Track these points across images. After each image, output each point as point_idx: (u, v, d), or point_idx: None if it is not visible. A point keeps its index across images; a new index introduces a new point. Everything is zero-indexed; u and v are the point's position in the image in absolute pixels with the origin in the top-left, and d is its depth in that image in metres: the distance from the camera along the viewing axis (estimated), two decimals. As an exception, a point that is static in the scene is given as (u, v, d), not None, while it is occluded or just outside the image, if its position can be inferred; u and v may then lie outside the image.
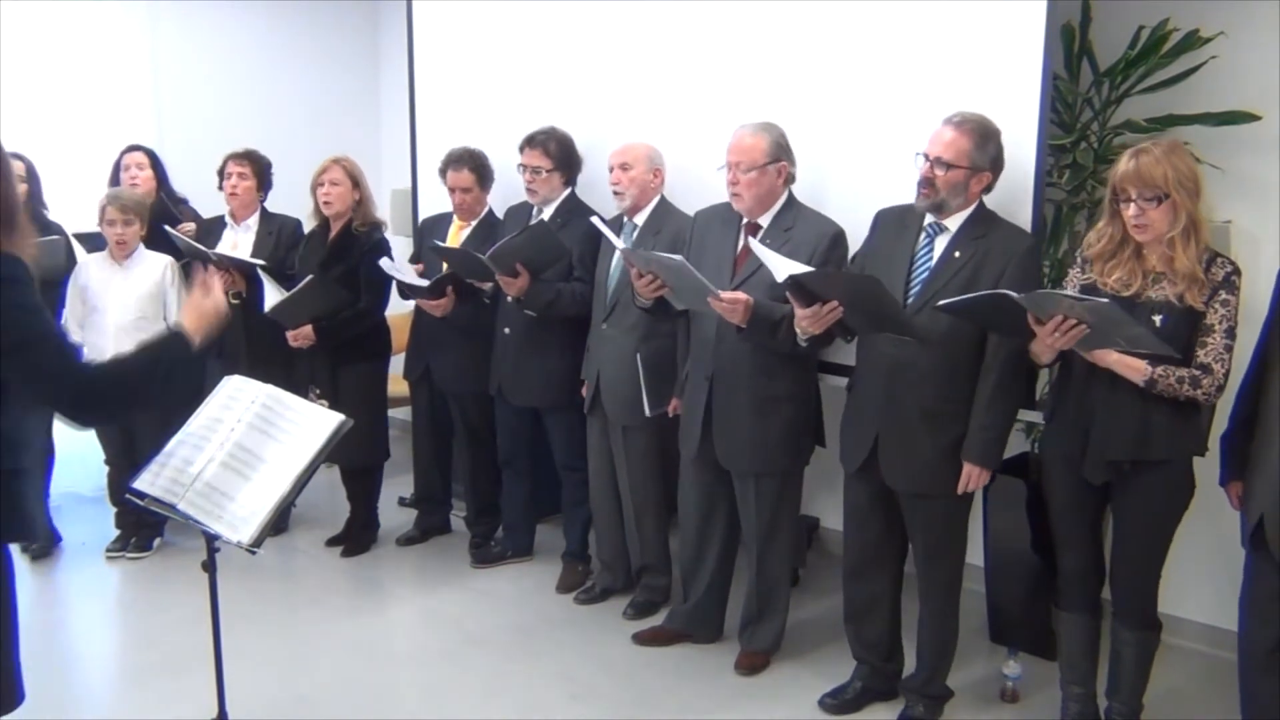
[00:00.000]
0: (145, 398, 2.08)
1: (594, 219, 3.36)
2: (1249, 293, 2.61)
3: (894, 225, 2.91)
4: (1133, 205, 2.53)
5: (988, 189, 2.79)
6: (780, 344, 2.97)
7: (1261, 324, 2.61)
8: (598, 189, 3.78)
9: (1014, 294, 2.49)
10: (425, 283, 3.91)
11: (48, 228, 4.17)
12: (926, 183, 2.75)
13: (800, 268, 2.72)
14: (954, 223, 2.79)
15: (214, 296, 2.23)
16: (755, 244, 2.91)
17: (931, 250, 2.81)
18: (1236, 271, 2.55)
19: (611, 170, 3.55)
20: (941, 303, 2.61)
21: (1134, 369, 2.54)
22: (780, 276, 2.71)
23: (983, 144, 2.72)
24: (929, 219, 2.82)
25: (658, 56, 3.77)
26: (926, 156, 2.75)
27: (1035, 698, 3.19)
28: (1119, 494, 2.70)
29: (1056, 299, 2.46)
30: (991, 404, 2.76)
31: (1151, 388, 2.53)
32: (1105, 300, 2.40)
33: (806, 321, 2.77)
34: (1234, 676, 2.69)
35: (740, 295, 2.92)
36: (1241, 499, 2.65)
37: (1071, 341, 2.48)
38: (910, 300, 2.79)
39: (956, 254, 2.77)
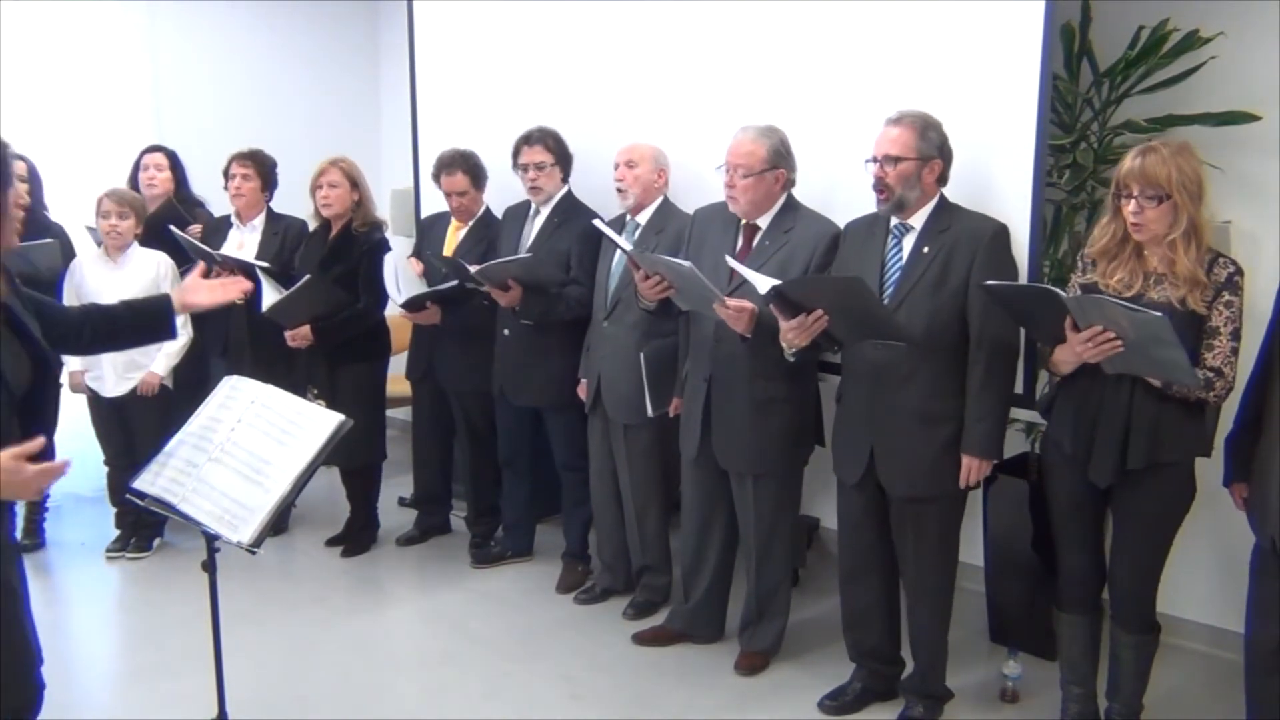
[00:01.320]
0: (122, 340, 2.48)
1: (595, 221, 3.36)
2: (1249, 293, 2.60)
3: (862, 233, 2.95)
4: (1133, 201, 2.52)
5: (942, 179, 2.82)
6: (781, 353, 2.97)
7: (1266, 326, 2.59)
8: (596, 189, 3.78)
9: (1062, 294, 2.49)
10: (414, 293, 3.94)
11: (48, 229, 4.17)
12: (880, 184, 2.79)
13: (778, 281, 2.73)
14: (918, 220, 2.82)
15: (224, 292, 2.41)
16: (733, 263, 2.92)
17: (900, 250, 2.84)
18: (1239, 272, 2.55)
19: (617, 167, 3.56)
20: (989, 283, 2.62)
21: None
22: (762, 289, 2.72)
23: (925, 133, 2.77)
24: (894, 220, 2.85)
25: (658, 57, 3.77)
26: (875, 159, 2.79)
27: (1035, 698, 3.19)
28: (1121, 496, 2.68)
29: (1103, 305, 2.43)
30: (983, 394, 2.76)
31: (1168, 388, 2.52)
32: (1158, 315, 2.35)
33: (792, 334, 2.77)
34: (1236, 677, 2.69)
35: (745, 304, 2.92)
36: (1247, 501, 2.64)
37: (1101, 356, 2.47)
38: (885, 303, 2.79)
39: (925, 249, 2.79)
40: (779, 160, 3.08)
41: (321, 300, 4.00)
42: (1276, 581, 2.50)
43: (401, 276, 4.01)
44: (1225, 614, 3.36)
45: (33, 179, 4.19)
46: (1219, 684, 3.21)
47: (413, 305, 3.97)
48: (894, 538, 2.97)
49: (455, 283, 3.85)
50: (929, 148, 2.77)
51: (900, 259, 2.83)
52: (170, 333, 2.57)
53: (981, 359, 2.75)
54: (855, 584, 3.10)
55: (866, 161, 2.81)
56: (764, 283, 2.73)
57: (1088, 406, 2.64)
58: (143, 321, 2.53)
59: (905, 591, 3.05)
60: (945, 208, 2.83)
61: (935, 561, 2.94)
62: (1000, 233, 2.78)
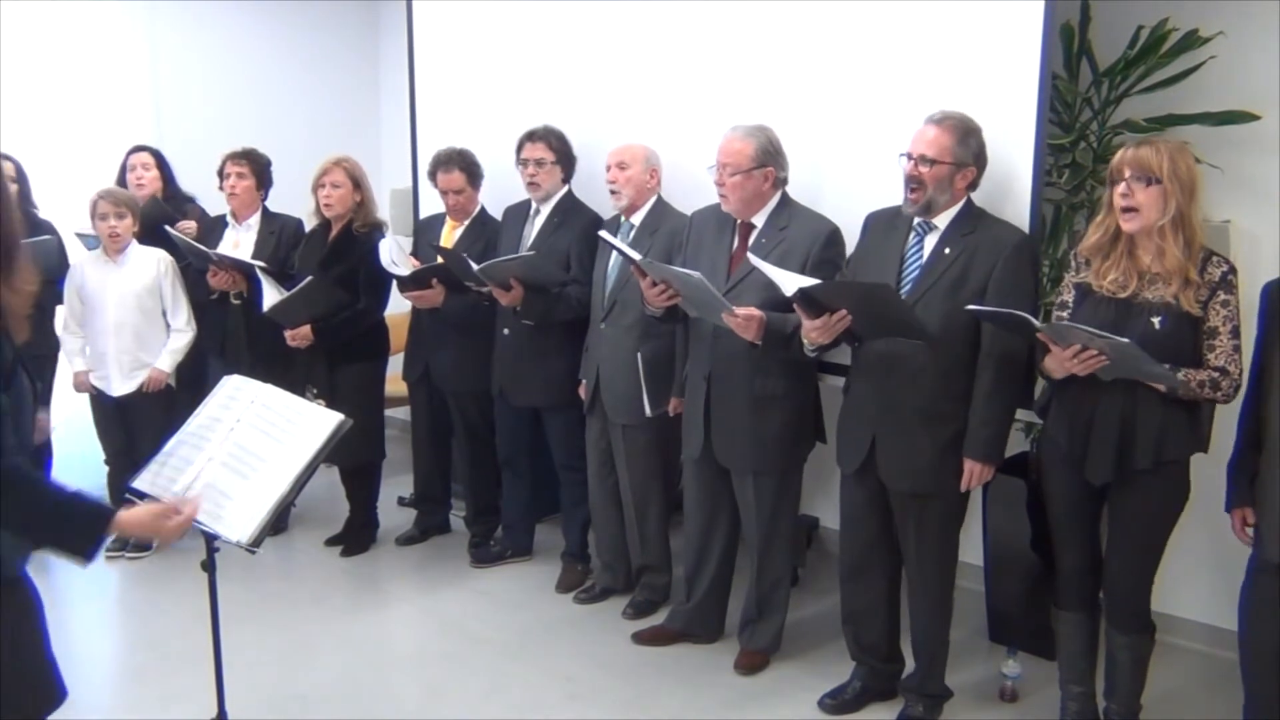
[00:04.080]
0: (30, 531, 1.95)
1: (603, 233, 3.37)
2: (1248, 293, 2.60)
3: (884, 227, 2.94)
4: (1123, 184, 2.53)
5: (973, 185, 2.81)
6: (794, 354, 2.98)
7: (1254, 343, 2.59)
8: (596, 189, 3.78)
9: (1036, 322, 2.52)
10: (405, 272, 3.91)
11: (38, 227, 4.16)
12: (913, 181, 2.77)
13: (808, 280, 2.73)
14: (943, 220, 2.82)
15: (175, 523, 2.04)
16: (755, 259, 2.92)
17: (921, 248, 2.84)
18: (1233, 271, 2.55)
19: (609, 169, 3.56)
20: (971, 307, 2.64)
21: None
22: (789, 290, 2.72)
23: (964, 139, 2.76)
24: (918, 218, 2.84)
25: (656, 57, 3.77)
26: (910, 156, 2.78)
27: (1035, 697, 3.19)
28: (1117, 496, 2.69)
29: (1076, 332, 2.45)
30: (990, 399, 2.77)
31: (1174, 393, 2.52)
32: (1125, 340, 2.39)
33: (816, 333, 2.78)
34: (1234, 676, 2.69)
35: (755, 312, 2.92)
36: (1249, 524, 2.61)
37: (1088, 370, 2.49)
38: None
39: (947, 250, 2.79)
40: (767, 158, 3.09)
41: (322, 301, 4.00)
42: (1272, 580, 2.49)
43: (396, 254, 3.98)
44: (1224, 614, 3.34)
45: (21, 179, 4.17)
46: (1217, 683, 3.21)
47: (417, 281, 3.93)
48: (897, 533, 2.97)
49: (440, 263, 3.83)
50: (966, 154, 2.76)
51: (921, 257, 2.83)
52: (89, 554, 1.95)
53: (992, 365, 2.76)
54: (856, 579, 3.10)
55: (900, 155, 2.80)
56: (791, 283, 2.73)
57: (1083, 407, 2.65)
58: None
59: (907, 588, 3.05)
60: (971, 212, 2.82)
61: (935, 559, 2.95)
62: (1023, 243, 2.78)
